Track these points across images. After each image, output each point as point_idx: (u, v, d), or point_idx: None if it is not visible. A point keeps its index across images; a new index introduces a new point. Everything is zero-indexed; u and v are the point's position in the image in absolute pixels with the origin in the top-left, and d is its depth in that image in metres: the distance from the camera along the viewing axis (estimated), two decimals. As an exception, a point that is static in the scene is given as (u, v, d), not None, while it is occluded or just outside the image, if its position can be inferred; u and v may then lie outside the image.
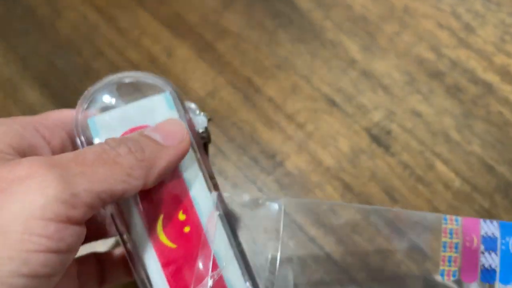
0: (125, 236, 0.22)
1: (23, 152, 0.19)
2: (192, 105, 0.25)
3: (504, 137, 0.33)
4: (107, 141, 0.19)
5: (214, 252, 0.22)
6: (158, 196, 0.22)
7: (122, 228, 0.22)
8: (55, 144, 0.21)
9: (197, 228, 0.22)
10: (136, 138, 0.20)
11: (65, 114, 0.23)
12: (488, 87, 0.35)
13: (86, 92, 0.23)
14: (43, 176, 0.16)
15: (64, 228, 0.16)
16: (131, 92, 0.23)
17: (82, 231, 0.17)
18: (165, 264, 0.22)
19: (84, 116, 0.22)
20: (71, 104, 0.35)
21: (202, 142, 0.24)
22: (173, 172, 0.22)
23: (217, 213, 0.23)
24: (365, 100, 0.35)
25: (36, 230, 0.16)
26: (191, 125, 0.23)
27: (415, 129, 0.34)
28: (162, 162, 0.20)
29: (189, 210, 0.22)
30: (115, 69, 0.37)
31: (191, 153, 0.23)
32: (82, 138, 0.22)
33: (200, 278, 0.22)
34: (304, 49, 0.37)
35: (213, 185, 0.23)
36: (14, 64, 0.37)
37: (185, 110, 0.23)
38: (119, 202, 0.22)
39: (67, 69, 0.37)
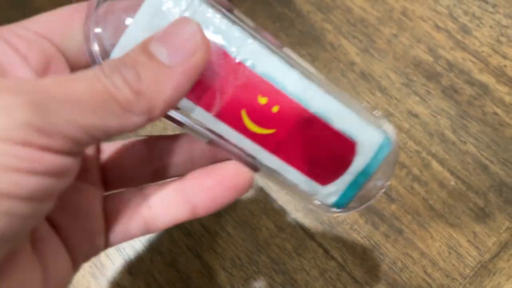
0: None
1: None
2: None
3: (499, 137, 0.34)
4: (102, 66, 0.16)
5: (318, 113, 0.20)
6: (225, 97, 0.20)
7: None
8: (34, 61, 0.17)
9: (285, 101, 0.20)
10: (133, 61, 0.16)
11: (55, 19, 0.18)
12: (484, 88, 0.36)
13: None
14: (9, 100, 0.14)
15: (38, 153, 0.14)
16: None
17: (67, 161, 0.15)
18: (274, 150, 0.21)
19: (108, 10, 0.18)
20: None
21: None
22: (225, 60, 0.19)
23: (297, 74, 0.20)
24: (364, 101, 0.36)
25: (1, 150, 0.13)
26: None
27: (412, 130, 0.35)
28: (167, 90, 0.16)
29: (267, 89, 0.20)
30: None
31: (228, 25, 0.19)
32: (96, 48, 0.18)
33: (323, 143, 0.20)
34: (305, 52, 0.38)
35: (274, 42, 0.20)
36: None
37: None
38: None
39: (75, 73, 0.38)
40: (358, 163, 0.21)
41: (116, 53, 0.18)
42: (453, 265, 0.31)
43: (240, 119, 0.20)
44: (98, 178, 0.21)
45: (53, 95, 0.14)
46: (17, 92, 0.14)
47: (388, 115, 0.35)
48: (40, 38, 0.18)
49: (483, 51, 0.37)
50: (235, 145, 0.21)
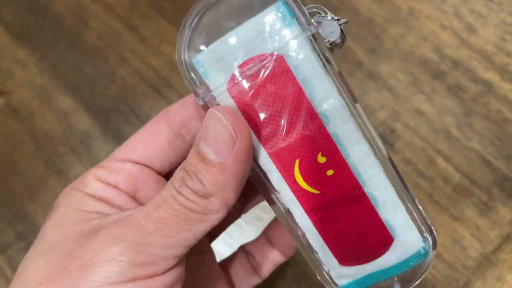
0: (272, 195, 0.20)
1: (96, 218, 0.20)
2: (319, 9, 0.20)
3: (503, 134, 0.36)
4: (172, 183, 0.18)
5: (371, 195, 0.20)
6: (287, 140, 0.19)
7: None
8: (125, 187, 0.21)
9: (343, 169, 0.19)
10: (193, 170, 0.18)
11: (139, 144, 0.22)
12: (488, 86, 0.37)
13: (181, 28, 0.19)
14: (121, 245, 0.17)
15: (146, 282, 0.17)
16: (238, 13, 0.19)
17: (173, 274, 0.18)
18: (310, 211, 0.20)
19: (190, 55, 0.19)
20: (101, 109, 0.39)
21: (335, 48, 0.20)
22: (303, 104, 0.19)
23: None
24: (371, 101, 0.37)
25: None
26: (319, 39, 0.19)
27: (418, 127, 0.36)
28: (230, 183, 0.18)
29: (330, 150, 0.19)
30: (138, 75, 0.40)
31: (321, 73, 0.19)
32: (193, 75, 0.19)
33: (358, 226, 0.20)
34: (314, 53, 0.39)
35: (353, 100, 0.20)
36: (46, 73, 0.40)
37: (308, 20, 0.19)
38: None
39: (95, 76, 0.40)
40: (385, 260, 0.20)
41: (204, 55, 0.19)
42: (457, 257, 0.32)
43: (291, 167, 0.19)
44: (209, 244, 0.26)
45: (146, 231, 0.17)
46: (119, 239, 0.17)
47: (395, 114, 0.37)
48: (126, 164, 0.21)
49: (487, 49, 0.38)
50: (274, 188, 0.20)
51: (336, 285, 0.21)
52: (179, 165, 0.22)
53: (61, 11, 0.42)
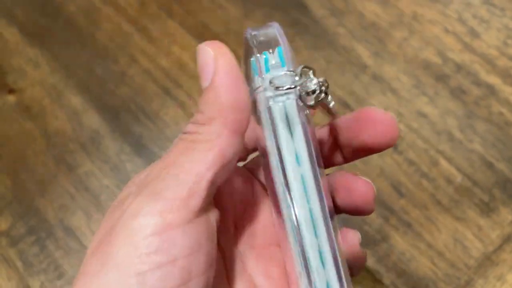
0: None
1: None
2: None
3: (504, 136, 0.36)
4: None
5: None
6: None
7: None
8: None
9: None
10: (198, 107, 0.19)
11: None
12: (490, 89, 0.38)
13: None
14: (140, 201, 0.18)
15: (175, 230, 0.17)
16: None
17: (207, 217, 0.18)
18: None
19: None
20: (111, 108, 0.39)
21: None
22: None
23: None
24: (375, 102, 0.38)
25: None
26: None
27: (421, 129, 0.37)
28: (220, 99, 0.18)
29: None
30: (148, 75, 0.40)
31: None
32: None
33: None
34: (319, 56, 0.40)
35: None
36: (58, 72, 0.41)
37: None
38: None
39: (105, 76, 0.41)
40: None
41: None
42: (458, 256, 0.33)
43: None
44: None
45: (161, 177, 0.18)
46: (139, 193, 0.18)
47: (399, 115, 0.37)
48: None
49: (490, 54, 0.39)
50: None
51: None
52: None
53: (73, 12, 0.43)
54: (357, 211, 0.23)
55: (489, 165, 0.35)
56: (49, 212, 0.35)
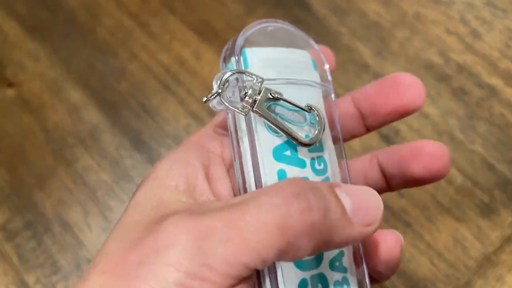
0: None
1: (193, 185, 0.19)
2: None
3: (505, 137, 0.36)
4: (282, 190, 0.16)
5: None
6: None
7: None
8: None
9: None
10: (321, 195, 0.16)
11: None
12: (492, 91, 0.38)
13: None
14: (181, 249, 0.15)
15: None
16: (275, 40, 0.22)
17: None
18: None
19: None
20: (111, 103, 0.39)
21: None
22: None
23: None
24: None
25: None
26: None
27: (422, 129, 0.37)
28: (338, 240, 0.16)
29: None
30: (148, 71, 0.40)
31: None
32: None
33: None
34: (321, 54, 0.40)
35: None
36: (58, 66, 0.41)
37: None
38: None
39: (105, 71, 0.40)
40: None
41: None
42: (458, 256, 0.33)
43: None
44: None
45: (218, 235, 0.15)
46: (191, 234, 0.15)
47: (400, 115, 0.37)
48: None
49: (492, 55, 0.39)
50: None
51: None
52: None
53: (74, 6, 0.43)
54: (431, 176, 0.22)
55: (490, 166, 0.35)
56: (46, 207, 0.35)
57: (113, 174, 0.36)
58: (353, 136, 0.24)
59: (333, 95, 0.23)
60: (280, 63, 0.21)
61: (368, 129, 0.24)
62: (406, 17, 0.41)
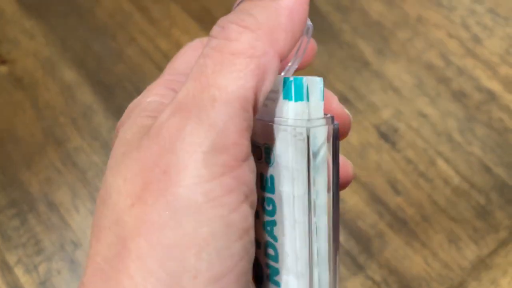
0: None
1: None
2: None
3: (503, 142, 0.36)
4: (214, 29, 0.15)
5: None
6: None
7: None
8: None
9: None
10: (240, 8, 0.16)
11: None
12: (491, 95, 0.38)
13: None
14: (192, 137, 0.14)
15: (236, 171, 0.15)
16: None
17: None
18: None
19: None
20: (106, 84, 0.38)
21: None
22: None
23: None
24: (376, 99, 0.38)
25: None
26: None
27: (420, 129, 0.36)
28: (280, 20, 0.15)
29: None
30: (146, 55, 0.40)
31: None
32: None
33: None
34: (322, 49, 0.39)
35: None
36: (53, 45, 0.40)
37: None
38: None
39: (102, 52, 0.39)
40: None
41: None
42: (453, 257, 0.32)
43: None
44: None
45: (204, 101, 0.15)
46: (184, 118, 0.15)
47: (399, 113, 0.37)
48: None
49: (492, 61, 0.39)
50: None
51: None
52: None
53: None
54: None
55: (487, 169, 0.35)
56: (33, 185, 0.34)
57: (104, 156, 0.35)
58: None
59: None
60: None
61: None
62: (409, 19, 0.41)
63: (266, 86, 0.15)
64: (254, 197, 0.16)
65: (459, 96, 0.38)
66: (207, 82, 0.15)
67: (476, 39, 0.40)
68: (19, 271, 0.31)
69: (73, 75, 0.38)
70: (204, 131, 0.14)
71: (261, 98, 0.15)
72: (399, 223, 0.33)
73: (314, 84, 0.17)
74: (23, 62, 0.39)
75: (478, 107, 0.37)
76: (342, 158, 0.20)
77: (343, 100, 0.38)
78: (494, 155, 0.35)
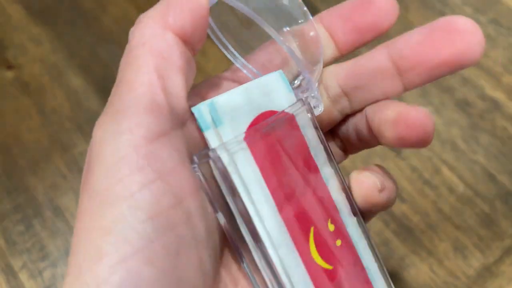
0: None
1: None
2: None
3: (507, 150, 0.36)
4: None
5: (366, 267, 0.18)
6: (303, 200, 0.17)
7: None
8: None
9: (347, 240, 0.18)
10: None
11: None
12: (495, 104, 0.38)
13: None
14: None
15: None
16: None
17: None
18: None
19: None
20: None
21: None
22: (314, 171, 0.18)
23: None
24: None
25: None
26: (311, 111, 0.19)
27: (425, 137, 0.37)
28: None
29: (336, 217, 0.18)
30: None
31: (318, 141, 0.18)
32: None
33: None
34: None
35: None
36: (60, 51, 0.40)
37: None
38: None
39: (109, 59, 0.40)
40: None
41: (221, 101, 0.17)
42: (458, 265, 0.32)
43: (307, 236, 0.17)
44: None
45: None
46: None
47: (403, 122, 0.37)
48: None
49: (496, 70, 0.39)
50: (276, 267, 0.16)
51: None
52: None
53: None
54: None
55: (491, 177, 0.35)
56: (38, 190, 0.34)
57: (109, 162, 0.35)
58: (387, 97, 0.20)
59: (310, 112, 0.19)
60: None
61: (406, 88, 0.20)
62: (412, 28, 0.41)
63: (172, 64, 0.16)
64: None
65: (463, 105, 0.38)
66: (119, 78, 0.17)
67: (479, 49, 0.40)
68: (23, 276, 0.31)
69: (80, 81, 0.39)
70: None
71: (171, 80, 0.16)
72: (405, 231, 0.33)
73: (228, 104, 0.17)
74: (29, 68, 0.39)
75: (482, 116, 0.37)
76: None
77: (348, 108, 0.38)
78: (498, 163, 0.36)
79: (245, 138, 0.17)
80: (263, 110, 0.18)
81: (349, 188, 0.19)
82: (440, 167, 0.35)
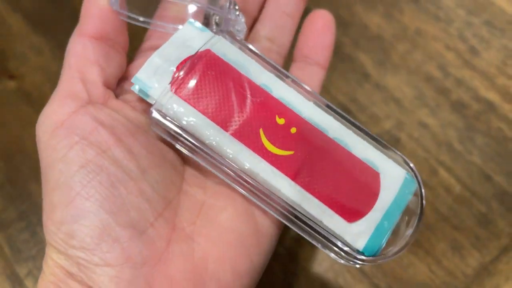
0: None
1: None
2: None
3: (502, 150, 0.37)
4: None
5: (338, 140, 0.21)
6: (243, 115, 0.20)
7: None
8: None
9: (303, 124, 0.20)
10: None
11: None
12: (490, 105, 0.39)
13: None
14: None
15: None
16: None
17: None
18: (294, 176, 0.20)
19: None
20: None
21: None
22: (248, 84, 0.21)
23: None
24: (377, 110, 0.39)
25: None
26: (231, 34, 0.23)
27: (421, 139, 0.37)
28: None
29: (284, 111, 0.21)
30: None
31: (246, 57, 0.22)
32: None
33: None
34: (324, 62, 0.40)
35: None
36: (61, 60, 0.40)
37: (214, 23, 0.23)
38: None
39: (109, 67, 0.40)
40: (384, 199, 0.20)
41: (139, 77, 0.22)
42: (456, 264, 0.33)
43: (258, 138, 0.20)
44: None
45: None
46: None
47: (400, 124, 0.38)
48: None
49: (489, 72, 0.40)
50: (248, 174, 0.20)
51: (356, 251, 0.20)
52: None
53: (80, 3, 0.43)
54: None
55: (488, 178, 0.36)
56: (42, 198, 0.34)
57: (111, 169, 0.36)
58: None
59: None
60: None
61: None
62: (407, 32, 0.42)
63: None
64: None
65: (458, 106, 0.39)
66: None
67: (473, 51, 0.41)
68: (29, 283, 0.31)
69: (81, 90, 0.39)
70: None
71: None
72: (403, 231, 0.34)
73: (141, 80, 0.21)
74: (31, 77, 0.40)
75: (477, 117, 0.38)
76: None
77: (345, 111, 0.38)
78: (494, 163, 0.36)
79: (171, 89, 0.21)
80: (183, 58, 0.21)
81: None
82: (437, 169, 0.36)
